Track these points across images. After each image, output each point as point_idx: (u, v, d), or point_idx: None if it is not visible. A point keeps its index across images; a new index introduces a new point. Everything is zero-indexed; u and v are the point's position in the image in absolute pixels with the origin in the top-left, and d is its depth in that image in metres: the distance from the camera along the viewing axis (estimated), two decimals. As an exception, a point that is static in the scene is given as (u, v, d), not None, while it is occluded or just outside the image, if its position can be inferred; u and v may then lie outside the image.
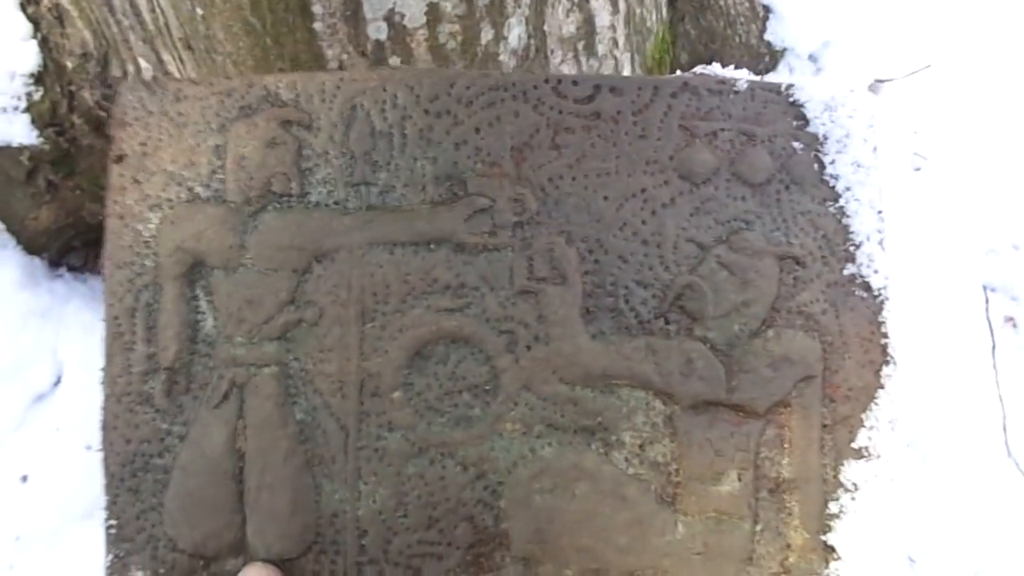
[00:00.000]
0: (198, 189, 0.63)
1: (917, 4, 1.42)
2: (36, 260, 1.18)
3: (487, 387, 0.61)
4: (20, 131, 0.98)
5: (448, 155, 0.62)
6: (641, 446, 0.62)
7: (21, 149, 0.99)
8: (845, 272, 0.65)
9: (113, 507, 0.62)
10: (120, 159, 0.64)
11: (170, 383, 0.62)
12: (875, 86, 1.35)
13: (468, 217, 0.61)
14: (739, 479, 0.62)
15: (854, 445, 0.64)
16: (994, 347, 1.09)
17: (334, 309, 0.61)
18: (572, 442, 0.61)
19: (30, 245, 1.15)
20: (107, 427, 0.63)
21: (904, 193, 1.28)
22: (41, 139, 0.99)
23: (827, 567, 0.63)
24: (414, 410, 0.60)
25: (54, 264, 1.21)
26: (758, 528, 0.62)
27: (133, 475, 0.62)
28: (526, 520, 0.60)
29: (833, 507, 0.63)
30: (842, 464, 0.63)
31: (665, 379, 0.62)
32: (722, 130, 0.64)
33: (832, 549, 0.63)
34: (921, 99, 1.36)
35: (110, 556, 0.62)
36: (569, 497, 0.60)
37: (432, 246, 0.61)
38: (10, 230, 1.13)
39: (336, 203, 0.62)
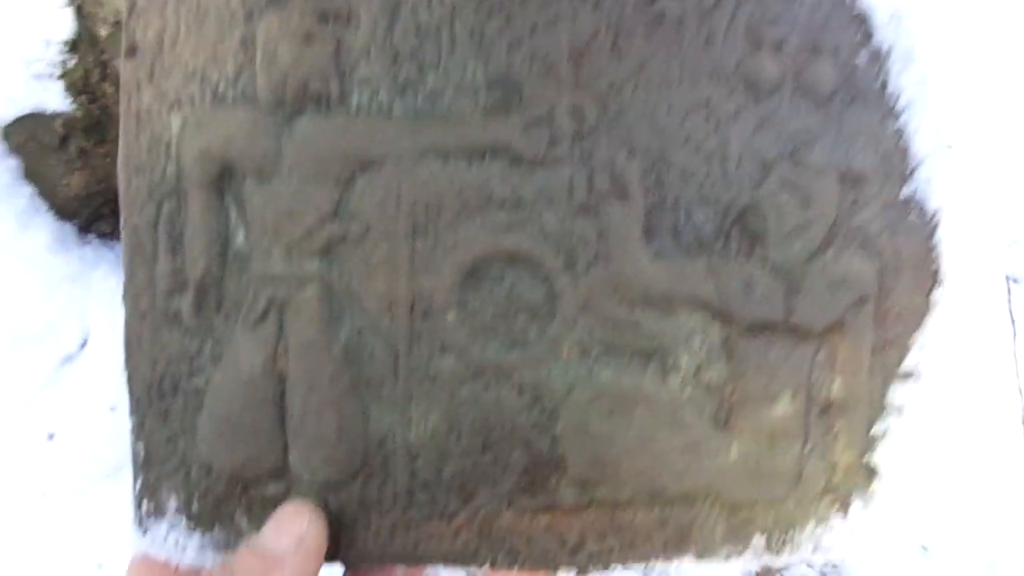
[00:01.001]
0: (223, 88, 0.57)
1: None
2: (67, 225, 1.22)
3: (544, 308, 0.58)
4: (54, 98, 1.01)
5: (501, 58, 0.57)
6: (697, 368, 0.60)
7: (55, 116, 1.01)
8: (903, 193, 0.63)
9: (140, 431, 0.59)
10: (132, 52, 0.57)
11: (200, 300, 0.57)
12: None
13: (525, 127, 0.57)
14: (793, 401, 0.61)
15: (902, 368, 0.63)
16: (1015, 336, 1.10)
17: (382, 224, 0.56)
18: (630, 366, 0.59)
19: (61, 211, 1.18)
20: (131, 347, 0.58)
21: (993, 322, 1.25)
22: (74, 106, 0.98)
23: (871, 486, 0.63)
24: (468, 332, 0.57)
25: (84, 230, 1.24)
26: (807, 449, 0.62)
27: (161, 398, 0.58)
28: (583, 445, 0.58)
29: (878, 429, 0.63)
30: (890, 386, 0.63)
31: (725, 301, 0.60)
32: (788, 39, 0.60)
33: (874, 470, 0.63)
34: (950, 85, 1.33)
35: (139, 480, 0.59)
36: (627, 423, 0.59)
37: (487, 158, 0.57)
38: (42, 195, 1.13)
39: (380, 108, 0.57)
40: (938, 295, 0.64)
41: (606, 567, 0.59)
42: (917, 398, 0.64)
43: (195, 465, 0.58)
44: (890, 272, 0.63)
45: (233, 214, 0.57)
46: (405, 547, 0.58)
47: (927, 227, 0.63)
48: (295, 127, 0.56)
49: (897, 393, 0.63)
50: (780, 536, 0.62)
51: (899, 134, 0.63)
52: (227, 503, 0.59)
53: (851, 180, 0.62)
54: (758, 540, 0.61)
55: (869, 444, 0.63)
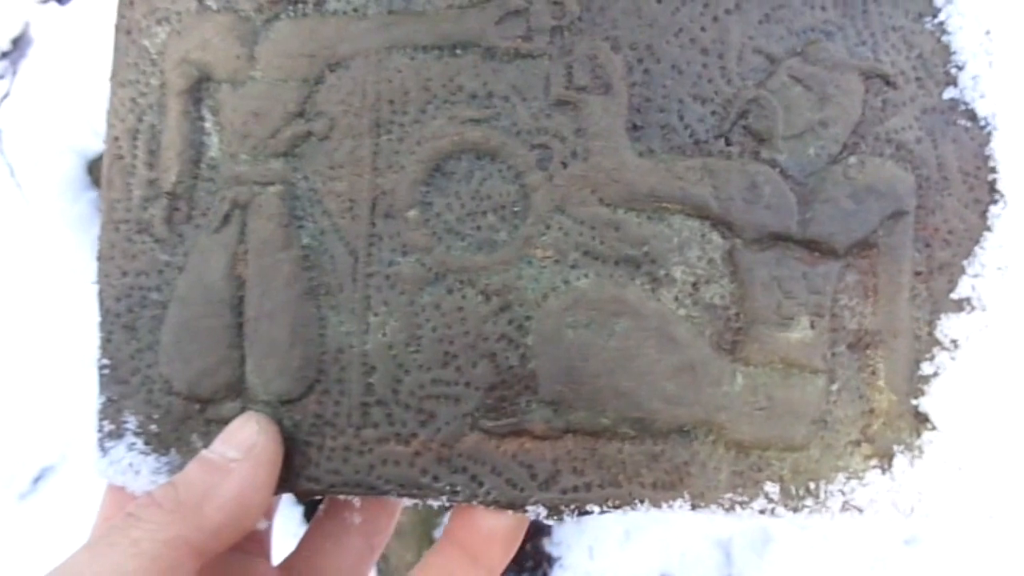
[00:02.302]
0: (209, 0, 0.57)
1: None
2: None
3: (516, 207, 0.53)
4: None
5: None
6: (695, 284, 0.52)
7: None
8: (945, 96, 0.54)
9: (107, 345, 0.57)
10: None
11: (171, 209, 0.56)
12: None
13: (500, 19, 0.54)
14: (812, 326, 0.52)
15: (954, 296, 0.53)
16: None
17: (346, 120, 0.54)
18: (613, 274, 0.52)
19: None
20: (103, 257, 0.57)
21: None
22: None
23: (919, 438, 0.52)
24: (431, 231, 0.53)
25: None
26: (835, 387, 0.52)
27: (129, 310, 0.56)
28: (556, 357, 0.51)
29: (927, 367, 0.53)
30: (939, 318, 0.53)
31: (724, 205, 0.52)
32: None
33: (925, 417, 0.52)
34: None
35: (103, 398, 0.56)
36: (607, 333, 0.51)
37: (458, 51, 0.54)
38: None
39: (355, 9, 0.55)
40: (997, 211, 0.54)
41: (582, 507, 0.51)
42: (976, 331, 0.53)
43: (157, 384, 0.55)
44: (934, 185, 0.54)
45: (209, 122, 0.57)
46: (358, 472, 0.52)
47: (978, 135, 0.54)
48: (270, 30, 0.56)
49: (950, 325, 0.53)
50: (799, 488, 0.51)
51: (938, 32, 0.55)
52: (184, 424, 0.55)
53: (878, 79, 0.54)
54: (771, 488, 0.51)
55: (915, 385, 0.52)
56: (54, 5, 1.44)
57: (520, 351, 0.52)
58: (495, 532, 0.51)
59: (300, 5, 0.56)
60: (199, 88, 0.57)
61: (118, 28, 0.58)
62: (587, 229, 0.52)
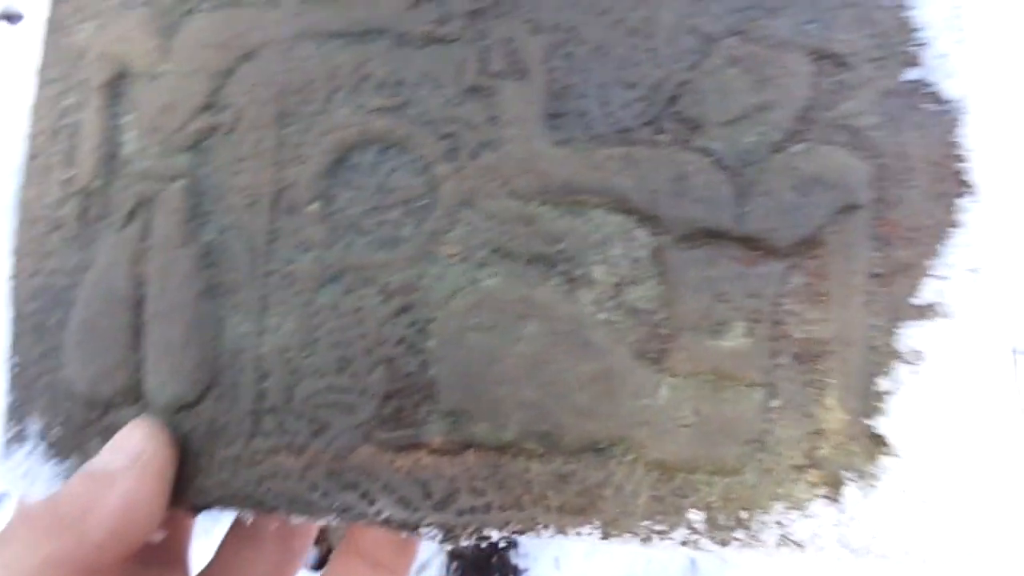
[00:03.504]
0: None
1: None
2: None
3: (423, 202, 0.49)
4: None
5: None
6: (617, 285, 0.47)
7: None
8: (906, 77, 0.48)
9: (17, 344, 0.55)
10: None
11: (84, 207, 0.54)
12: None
13: (415, 3, 0.51)
14: (749, 334, 0.46)
15: (916, 301, 0.46)
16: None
17: (252, 111, 0.51)
18: (524, 273, 0.47)
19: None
20: (18, 255, 0.55)
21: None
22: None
23: (874, 464, 0.45)
24: (331, 227, 0.49)
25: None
26: (776, 403, 0.46)
27: (40, 310, 0.54)
28: (456, 363, 0.46)
29: (884, 383, 0.46)
30: (899, 326, 0.46)
31: (649, 197, 0.47)
32: None
33: (882, 440, 0.45)
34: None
35: (10, 400, 0.54)
36: (513, 338, 0.46)
37: (369, 38, 0.51)
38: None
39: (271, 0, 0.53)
40: (966, 205, 0.47)
41: (480, 531, 0.45)
42: (942, 342, 0.46)
43: (61, 386, 0.53)
44: (894, 176, 0.48)
45: (127, 119, 0.55)
46: (247, 485, 0.48)
47: (944, 120, 0.48)
48: (188, 22, 0.54)
49: (911, 334, 0.46)
50: (729, 517, 0.45)
51: (897, 7, 0.49)
52: (85, 430, 0.52)
53: (830, 60, 0.49)
54: (696, 517, 0.45)
55: (871, 403, 0.46)
56: (4, 25, 1.48)
57: (420, 357, 0.47)
58: (391, 538, 0.47)
59: None
60: (119, 83, 0.55)
61: (48, 24, 0.58)
62: (497, 224, 0.48)
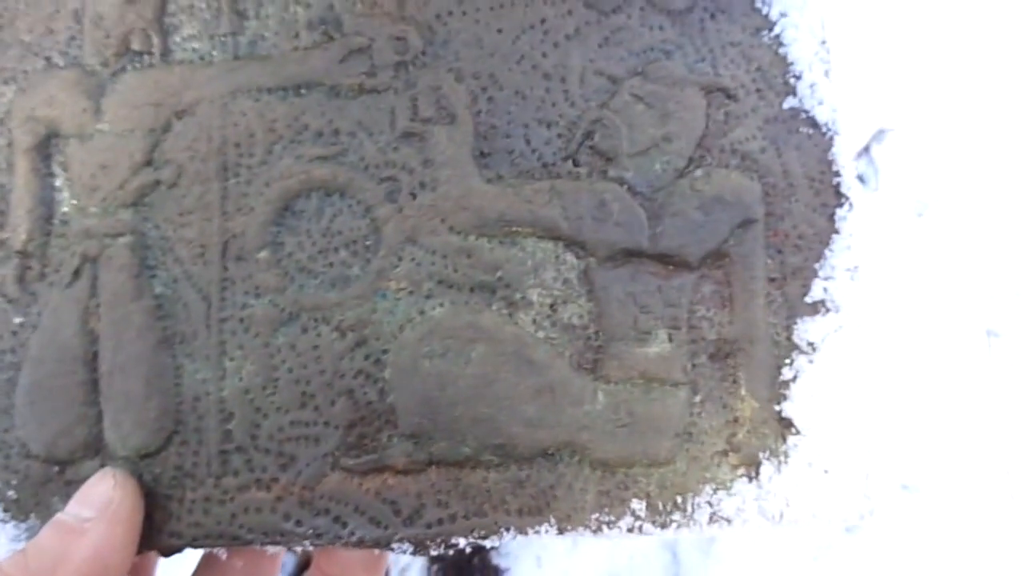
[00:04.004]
0: (55, 57, 0.57)
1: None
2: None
3: (367, 242, 0.53)
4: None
5: None
6: (552, 306, 0.53)
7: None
8: (785, 106, 0.56)
9: None
10: None
11: (23, 268, 0.55)
12: (879, 135, 1.28)
13: (344, 57, 0.54)
14: (670, 339, 0.52)
15: (808, 299, 0.54)
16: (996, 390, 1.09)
17: (193, 166, 0.54)
18: (468, 301, 0.52)
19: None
20: None
21: (907, 239, 1.29)
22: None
23: (784, 443, 0.52)
24: (283, 271, 0.52)
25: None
26: (698, 399, 0.52)
27: None
28: (413, 389, 0.51)
29: (787, 372, 0.53)
30: (795, 322, 0.53)
31: (575, 225, 0.53)
32: None
33: (789, 422, 0.52)
34: (925, 145, 1.32)
35: None
36: (463, 361, 0.51)
37: (303, 91, 0.54)
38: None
39: (201, 57, 0.55)
40: (843, 214, 0.55)
41: (448, 540, 0.50)
42: (832, 333, 0.53)
43: (14, 448, 0.54)
44: (781, 192, 0.55)
45: (60, 179, 0.56)
46: (220, 523, 0.51)
47: (820, 141, 0.56)
48: (116, 83, 0.56)
49: (806, 328, 0.53)
50: (666, 503, 0.51)
51: (774, 45, 0.56)
52: (44, 488, 0.53)
53: (719, 93, 0.55)
54: (638, 506, 0.50)
55: (777, 391, 0.53)
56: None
57: (378, 386, 0.51)
58: (355, 560, 0.50)
59: (146, 56, 0.56)
60: (47, 145, 0.56)
61: None
62: (439, 258, 0.52)
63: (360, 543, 0.50)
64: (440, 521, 0.50)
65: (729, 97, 0.55)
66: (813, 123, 0.56)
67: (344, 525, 0.50)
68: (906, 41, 1.25)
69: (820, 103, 0.56)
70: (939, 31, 1.30)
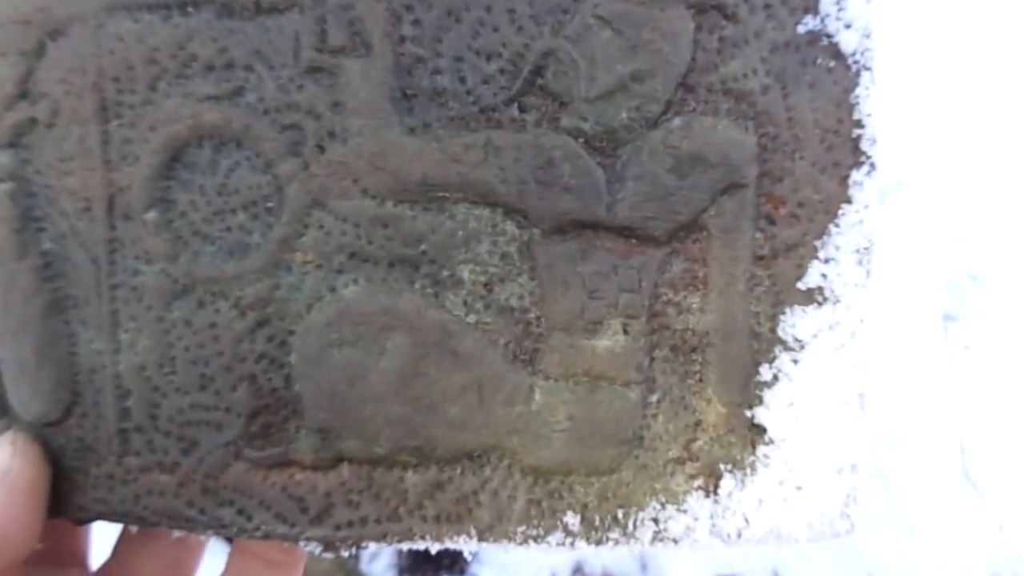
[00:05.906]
0: None
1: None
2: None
3: (269, 203, 0.44)
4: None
5: None
6: (487, 285, 0.44)
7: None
8: (801, 29, 0.43)
9: None
10: None
11: None
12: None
13: None
14: (625, 331, 0.44)
15: (802, 285, 0.44)
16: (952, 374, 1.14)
17: (69, 102, 0.45)
18: (386, 278, 0.44)
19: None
20: None
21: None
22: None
23: (753, 454, 0.44)
24: (175, 235, 0.45)
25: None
26: (654, 399, 0.44)
27: None
28: (320, 382, 0.44)
29: (766, 371, 0.44)
30: (783, 311, 0.44)
31: (515, 189, 0.43)
32: None
33: (761, 430, 0.44)
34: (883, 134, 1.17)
35: None
36: (376, 352, 0.44)
37: (190, 8, 0.44)
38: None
39: None
40: (860, 178, 0.43)
41: (358, 543, 0.45)
42: (825, 329, 0.44)
43: None
44: (781, 146, 0.43)
45: None
46: (124, 502, 0.47)
47: (843, 77, 0.43)
48: None
49: (795, 320, 0.44)
50: (604, 517, 0.45)
51: None
52: None
53: (714, 13, 0.43)
54: (571, 519, 0.44)
55: (752, 392, 0.44)
56: None
57: (284, 371, 0.45)
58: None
59: None
60: None
61: None
62: (351, 227, 0.44)
63: (266, 538, 0.46)
64: (350, 523, 0.45)
65: (727, 17, 0.43)
66: (836, 53, 0.43)
67: (249, 518, 0.46)
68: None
69: (848, 26, 0.43)
70: (913, 18, 1.12)
